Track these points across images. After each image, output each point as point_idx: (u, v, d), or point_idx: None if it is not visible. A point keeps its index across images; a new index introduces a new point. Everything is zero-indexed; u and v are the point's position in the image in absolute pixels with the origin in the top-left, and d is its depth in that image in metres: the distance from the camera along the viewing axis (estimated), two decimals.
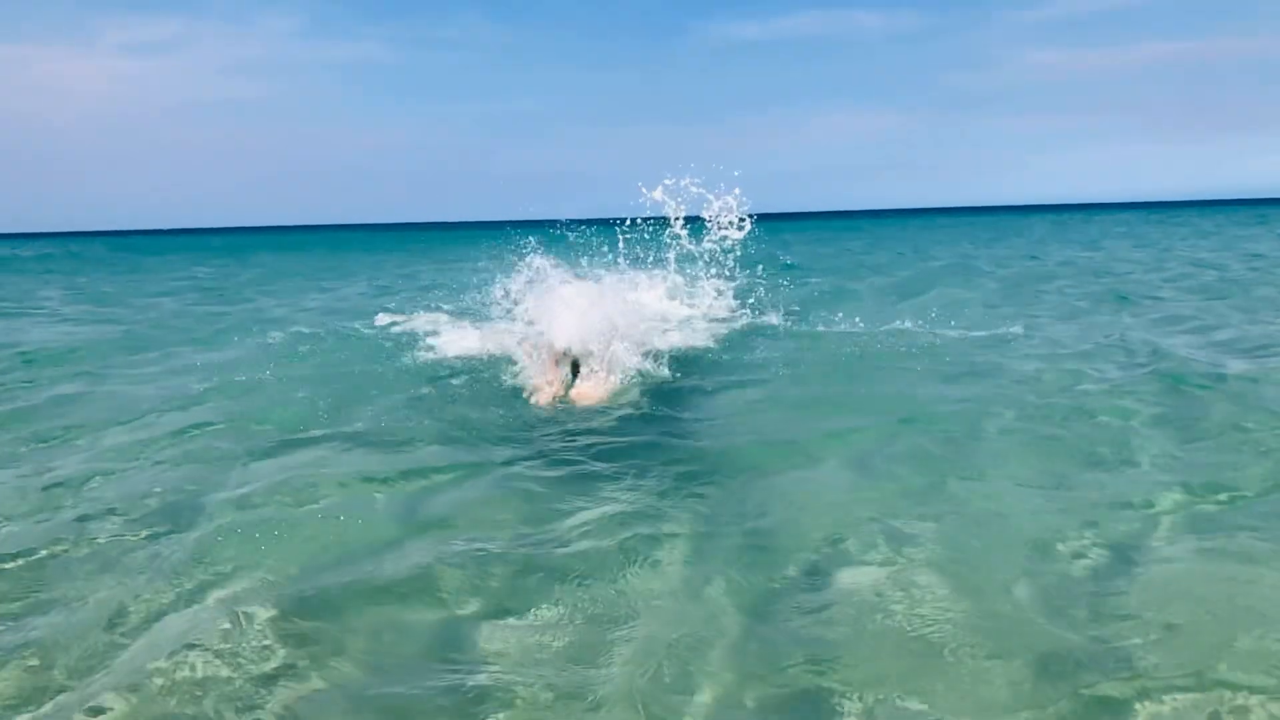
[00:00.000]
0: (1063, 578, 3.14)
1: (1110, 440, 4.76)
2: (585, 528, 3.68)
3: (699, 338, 8.47)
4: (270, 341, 9.30)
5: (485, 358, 7.40)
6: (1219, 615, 2.80)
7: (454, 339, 8.37)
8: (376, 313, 11.38)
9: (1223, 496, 3.88)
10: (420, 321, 9.84)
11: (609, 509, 3.87)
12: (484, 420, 5.50)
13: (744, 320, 9.79)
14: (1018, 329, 8.69)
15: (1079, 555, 3.32)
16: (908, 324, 9.12)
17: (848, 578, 3.16)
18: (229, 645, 2.73)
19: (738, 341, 8.46)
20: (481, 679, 2.57)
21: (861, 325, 9.32)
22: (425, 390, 6.45)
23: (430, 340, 8.49)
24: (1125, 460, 4.44)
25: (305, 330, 9.94)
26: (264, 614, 2.93)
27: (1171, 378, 6.06)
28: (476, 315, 9.01)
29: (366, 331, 9.80)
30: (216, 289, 17.96)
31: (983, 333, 8.57)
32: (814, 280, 15.36)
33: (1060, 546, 3.40)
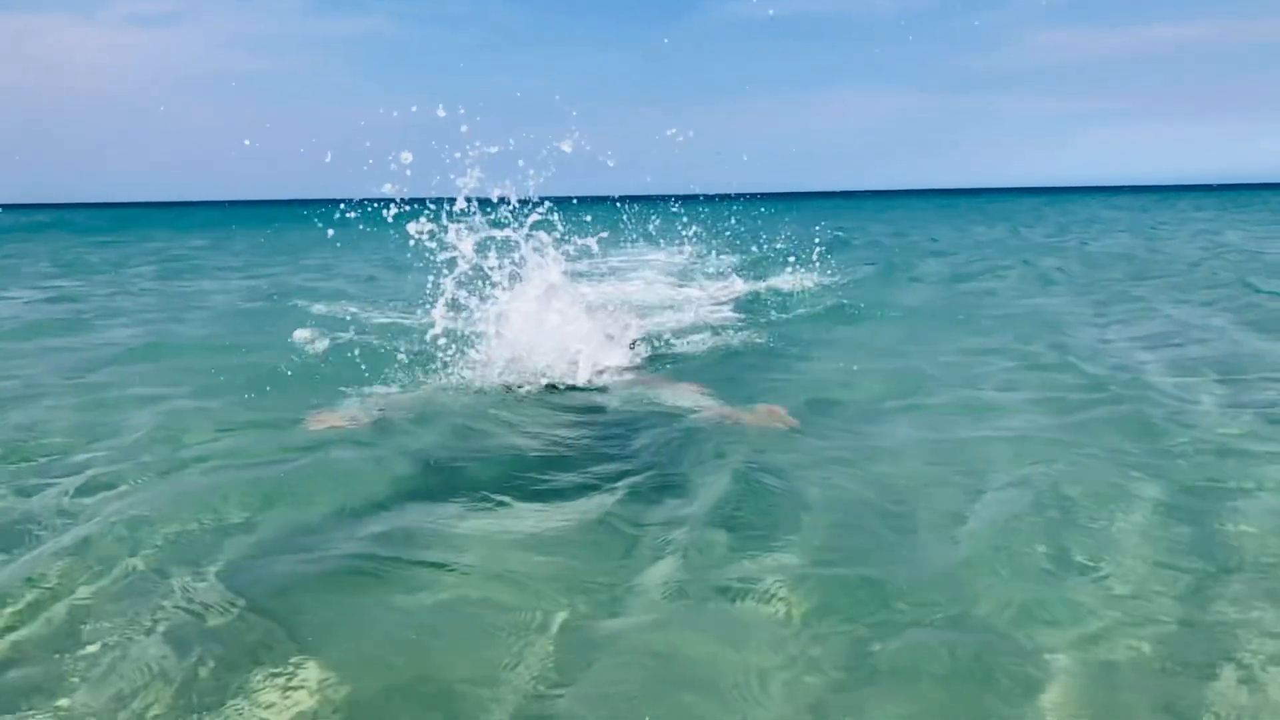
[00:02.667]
0: (933, 517, 3.41)
1: (992, 407, 5.05)
2: (494, 477, 3.91)
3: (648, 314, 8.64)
4: (211, 315, 9.61)
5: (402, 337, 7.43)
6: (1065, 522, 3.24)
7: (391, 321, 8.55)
8: (326, 294, 11.49)
9: (1072, 445, 4.17)
10: (357, 308, 9.86)
11: (527, 460, 4.18)
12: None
13: (685, 295, 9.98)
14: (958, 307, 8.89)
15: (954, 502, 3.55)
16: (845, 300, 9.34)
17: (735, 524, 3.34)
18: (116, 567, 2.96)
19: (667, 317, 8.64)
20: (364, 594, 2.81)
21: (805, 304, 9.53)
22: (322, 360, 6.63)
23: (359, 322, 8.60)
24: (1002, 420, 4.75)
25: (245, 305, 10.19)
26: (146, 537, 3.19)
27: (1072, 358, 6.21)
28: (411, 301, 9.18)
29: (305, 308, 9.83)
30: (198, 262, 18.23)
31: (913, 313, 8.78)
32: (782, 258, 15.54)
33: (931, 491, 3.67)
